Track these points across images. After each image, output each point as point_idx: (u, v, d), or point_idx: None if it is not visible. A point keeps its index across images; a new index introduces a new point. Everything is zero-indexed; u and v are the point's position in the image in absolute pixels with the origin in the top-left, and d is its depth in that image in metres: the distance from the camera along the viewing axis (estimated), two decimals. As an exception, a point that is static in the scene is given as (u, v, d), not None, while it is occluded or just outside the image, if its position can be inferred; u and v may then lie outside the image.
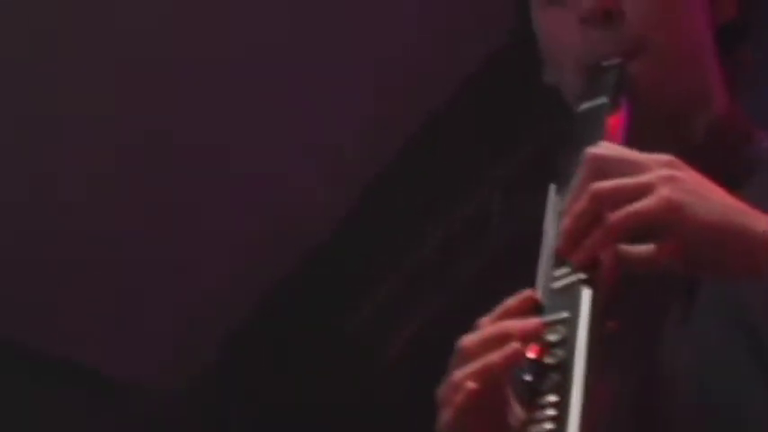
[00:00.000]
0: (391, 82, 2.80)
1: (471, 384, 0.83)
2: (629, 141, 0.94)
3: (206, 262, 3.22)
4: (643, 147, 0.90)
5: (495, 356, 0.82)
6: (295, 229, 3.09)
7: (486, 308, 0.87)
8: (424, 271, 3.03)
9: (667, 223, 0.80)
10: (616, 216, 0.81)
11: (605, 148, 0.87)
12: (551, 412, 0.78)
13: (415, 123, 2.86)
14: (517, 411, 0.84)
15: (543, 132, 2.49)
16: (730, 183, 0.89)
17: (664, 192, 0.80)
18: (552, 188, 0.91)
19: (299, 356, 3.28)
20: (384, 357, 3.14)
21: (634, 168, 0.83)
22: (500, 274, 2.63)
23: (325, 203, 3.04)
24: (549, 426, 0.77)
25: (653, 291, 0.92)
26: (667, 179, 0.81)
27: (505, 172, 2.81)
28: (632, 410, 0.93)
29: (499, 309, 0.85)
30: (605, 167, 0.84)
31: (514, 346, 0.81)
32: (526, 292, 0.86)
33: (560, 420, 0.77)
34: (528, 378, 0.81)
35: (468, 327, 0.87)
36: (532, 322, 0.83)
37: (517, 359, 0.81)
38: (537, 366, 0.81)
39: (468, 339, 0.85)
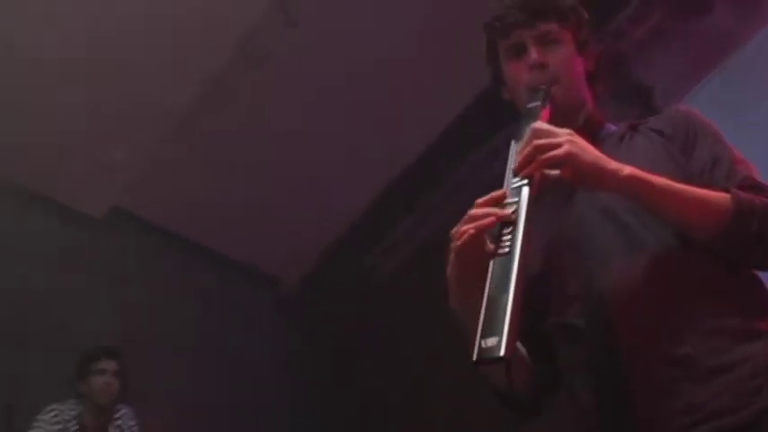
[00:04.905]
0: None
1: (472, 230, 1.68)
2: (550, 122, 1.86)
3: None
4: (556, 125, 1.84)
5: (484, 220, 1.67)
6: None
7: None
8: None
9: (567, 161, 1.70)
10: (543, 156, 1.70)
11: (540, 124, 1.77)
12: (508, 242, 1.64)
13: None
14: (488, 247, 1.70)
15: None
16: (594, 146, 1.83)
17: (566, 147, 1.69)
18: (512, 142, 1.82)
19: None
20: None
21: (553, 135, 1.72)
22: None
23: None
24: (507, 245, 1.65)
25: (557, 191, 1.83)
26: (568, 141, 1.71)
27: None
28: (550, 242, 1.85)
29: (489, 195, 1.71)
30: (540, 133, 1.74)
31: (492, 218, 1.67)
32: (501, 191, 1.72)
33: (512, 244, 1.64)
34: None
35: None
36: (501, 212, 1.67)
37: (493, 224, 1.67)
38: (502, 222, 1.69)
39: (473, 210, 1.69)
